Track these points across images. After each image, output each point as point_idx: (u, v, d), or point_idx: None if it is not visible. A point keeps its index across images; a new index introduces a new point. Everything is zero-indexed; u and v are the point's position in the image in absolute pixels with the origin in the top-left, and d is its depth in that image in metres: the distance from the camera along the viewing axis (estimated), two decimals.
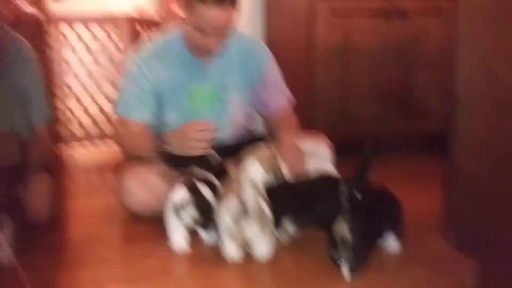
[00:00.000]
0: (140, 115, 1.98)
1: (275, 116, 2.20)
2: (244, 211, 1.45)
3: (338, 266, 1.42)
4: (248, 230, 1.48)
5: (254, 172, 1.54)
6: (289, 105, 2.22)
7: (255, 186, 1.52)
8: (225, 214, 1.49)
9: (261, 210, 1.50)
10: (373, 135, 2.75)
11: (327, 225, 1.58)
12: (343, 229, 1.38)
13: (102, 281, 1.46)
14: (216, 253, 1.63)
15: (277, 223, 1.63)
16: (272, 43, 2.55)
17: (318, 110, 2.67)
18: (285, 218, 1.67)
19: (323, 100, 2.66)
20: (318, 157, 1.98)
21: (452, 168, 1.37)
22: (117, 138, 2.12)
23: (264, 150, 1.62)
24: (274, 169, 1.58)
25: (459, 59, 1.26)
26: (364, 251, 1.42)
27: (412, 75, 2.78)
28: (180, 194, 1.62)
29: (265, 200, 1.53)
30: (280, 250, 1.63)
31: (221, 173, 1.78)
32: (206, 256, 1.63)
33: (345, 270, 1.40)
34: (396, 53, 2.71)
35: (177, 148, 1.85)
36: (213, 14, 1.79)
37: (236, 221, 1.47)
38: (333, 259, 1.44)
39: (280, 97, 2.19)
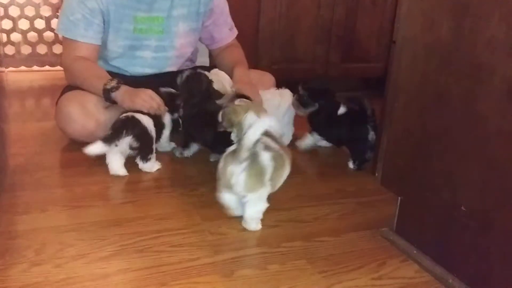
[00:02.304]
0: (86, 37, 1.91)
1: (220, 49, 2.21)
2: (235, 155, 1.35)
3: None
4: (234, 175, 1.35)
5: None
6: (235, 38, 2.23)
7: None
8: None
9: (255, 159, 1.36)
10: (314, 74, 2.82)
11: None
12: (371, 134, 1.83)
13: (44, 205, 1.47)
14: (155, 180, 1.69)
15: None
16: None
17: (263, 46, 2.69)
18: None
19: (268, 36, 2.67)
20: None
21: (384, 109, 1.46)
22: (64, 64, 2.00)
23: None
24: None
25: (402, 4, 1.31)
26: None
27: (355, 17, 2.84)
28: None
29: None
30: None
31: (172, 104, 1.80)
32: (146, 183, 1.68)
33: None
34: None
35: (126, 102, 1.77)
36: None
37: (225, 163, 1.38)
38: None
39: (226, 30, 2.19)
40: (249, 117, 1.41)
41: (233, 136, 1.46)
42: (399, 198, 1.38)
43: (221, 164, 1.39)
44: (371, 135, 1.84)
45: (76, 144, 1.91)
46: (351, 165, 1.89)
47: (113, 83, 1.79)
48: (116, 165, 1.68)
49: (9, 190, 1.56)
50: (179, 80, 1.85)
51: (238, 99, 1.57)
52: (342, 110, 1.88)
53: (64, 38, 1.97)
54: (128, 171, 1.71)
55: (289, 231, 1.43)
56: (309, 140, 1.99)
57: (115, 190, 1.61)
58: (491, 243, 1.09)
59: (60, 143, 1.96)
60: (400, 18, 1.32)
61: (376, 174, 1.45)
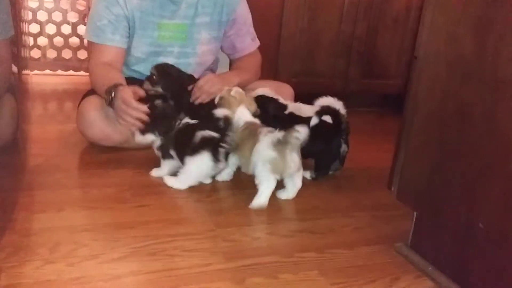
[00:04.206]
0: (114, 41, 1.95)
1: (240, 58, 2.22)
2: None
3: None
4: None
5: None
6: (257, 49, 2.24)
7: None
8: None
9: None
10: (333, 88, 2.82)
11: None
12: (343, 147, 1.84)
13: (60, 205, 1.49)
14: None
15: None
16: None
17: (283, 58, 2.70)
18: None
19: (289, 49, 2.69)
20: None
21: (402, 124, 1.45)
22: (89, 70, 2.04)
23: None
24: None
25: (425, 18, 1.30)
26: None
27: (376, 34, 2.84)
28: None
29: None
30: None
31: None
32: (161, 187, 1.68)
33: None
34: (365, 10, 2.75)
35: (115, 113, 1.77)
36: None
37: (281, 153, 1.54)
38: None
39: (249, 40, 2.20)
40: (240, 111, 1.69)
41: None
42: (415, 213, 1.36)
43: (275, 155, 1.52)
44: (343, 148, 1.83)
45: (95, 148, 1.95)
46: (307, 175, 1.84)
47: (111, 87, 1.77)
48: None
49: (27, 188, 1.58)
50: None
51: (234, 89, 1.76)
52: (314, 121, 1.78)
53: (92, 43, 2.01)
54: (143, 175, 1.73)
55: (303, 241, 1.42)
56: None
57: (130, 193, 1.62)
58: (508, 261, 1.07)
59: (79, 146, 1.99)
60: (423, 32, 1.31)
61: (392, 189, 1.44)
